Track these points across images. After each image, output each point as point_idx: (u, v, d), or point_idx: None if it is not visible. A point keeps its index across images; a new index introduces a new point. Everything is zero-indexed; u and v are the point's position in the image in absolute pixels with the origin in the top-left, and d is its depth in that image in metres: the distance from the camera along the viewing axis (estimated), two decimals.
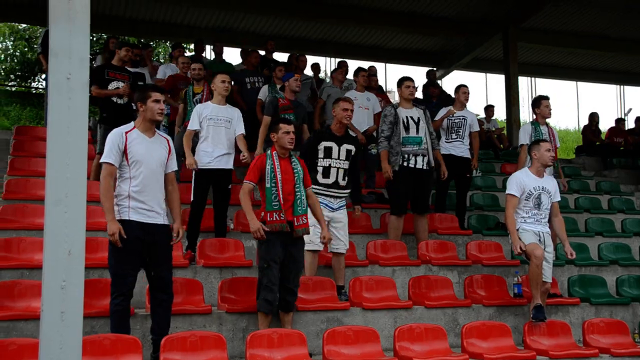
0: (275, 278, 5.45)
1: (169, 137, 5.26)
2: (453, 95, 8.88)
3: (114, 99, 7.91)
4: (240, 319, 5.72)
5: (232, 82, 10.37)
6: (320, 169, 6.34)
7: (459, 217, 8.51)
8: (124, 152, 4.85)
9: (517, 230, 6.34)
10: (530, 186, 6.39)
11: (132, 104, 8.20)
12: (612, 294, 7.49)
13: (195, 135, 6.82)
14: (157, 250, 4.92)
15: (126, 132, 4.92)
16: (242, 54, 11.52)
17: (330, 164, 6.38)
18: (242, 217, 7.45)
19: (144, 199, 4.87)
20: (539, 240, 6.34)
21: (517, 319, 6.64)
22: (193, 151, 6.78)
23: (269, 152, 5.71)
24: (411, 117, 7.42)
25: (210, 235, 6.90)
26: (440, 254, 7.48)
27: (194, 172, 6.72)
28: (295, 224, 5.57)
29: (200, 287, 5.96)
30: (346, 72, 10.42)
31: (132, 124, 5.06)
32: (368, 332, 5.52)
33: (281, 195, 5.52)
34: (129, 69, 8.46)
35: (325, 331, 5.43)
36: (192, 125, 6.77)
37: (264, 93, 9.43)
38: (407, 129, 7.36)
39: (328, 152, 6.37)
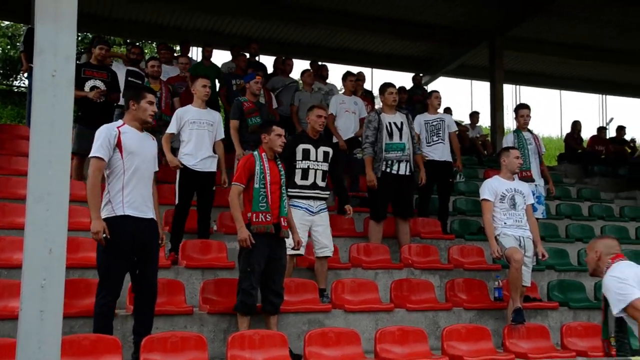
0: (256, 282, 5.46)
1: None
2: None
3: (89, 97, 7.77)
4: (222, 320, 5.71)
5: (218, 84, 10.47)
6: (299, 171, 6.37)
7: (441, 222, 8.56)
8: (117, 145, 4.78)
9: (499, 234, 6.43)
10: (502, 188, 6.54)
11: (114, 103, 8.19)
12: (591, 299, 7.58)
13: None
14: (147, 248, 4.89)
15: (118, 127, 4.89)
16: (233, 53, 11.55)
17: (309, 166, 6.42)
18: (226, 219, 7.45)
19: (137, 192, 4.82)
20: (520, 244, 6.43)
21: (497, 322, 6.70)
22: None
23: (256, 152, 5.71)
24: (394, 123, 7.47)
25: (193, 236, 6.89)
26: (422, 257, 7.53)
27: (178, 175, 6.72)
28: (282, 224, 5.59)
29: (182, 288, 5.94)
30: (325, 77, 10.41)
31: (121, 121, 5.02)
32: (349, 334, 5.55)
33: (269, 197, 5.53)
34: (132, 68, 8.45)
35: (306, 333, 5.45)
36: (171, 128, 6.78)
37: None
38: (390, 135, 7.41)
39: (306, 154, 6.41)
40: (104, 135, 4.80)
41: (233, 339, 5.04)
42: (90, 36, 14.00)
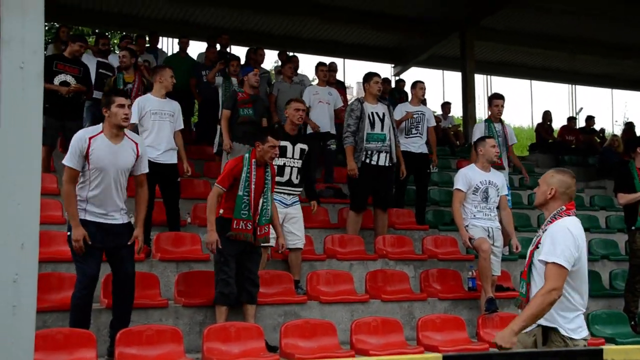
0: (232, 271, 5.46)
1: (139, 141, 5.19)
2: (409, 92, 8.97)
3: (56, 90, 7.64)
4: (197, 313, 5.70)
5: (189, 75, 10.42)
6: (275, 168, 6.35)
7: (418, 212, 8.61)
8: (86, 157, 4.78)
9: (467, 226, 6.49)
10: (476, 180, 6.55)
11: (83, 97, 8.09)
12: None
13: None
14: (119, 248, 4.93)
15: (90, 137, 4.85)
16: (210, 43, 11.49)
17: (285, 163, 6.42)
18: (199, 211, 7.40)
19: (101, 204, 4.87)
20: (488, 235, 6.50)
21: (472, 312, 6.77)
22: None
23: (247, 157, 5.64)
24: (377, 113, 7.44)
25: (166, 229, 6.84)
26: (397, 248, 7.57)
27: None
28: (258, 233, 5.59)
29: (156, 281, 5.91)
30: (296, 68, 10.42)
31: (99, 127, 4.99)
32: (325, 325, 5.57)
33: (252, 205, 5.51)
34: (102, 59, 8.35)
35: (282, 324, 5.45)
36: (132, 118, 6.67)
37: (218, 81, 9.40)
38: (372, 125, 7.38)
39: (283, 151, 6.37)
40: (75, 145, 4.82)
41: (209, 331, 5.03)
42: (57, 26, 13.74)
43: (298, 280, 6.47)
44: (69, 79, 7.75)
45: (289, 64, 10.20)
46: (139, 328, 4.90)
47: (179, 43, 11.33)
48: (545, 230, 3.67)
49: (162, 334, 4.89)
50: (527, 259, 3.78)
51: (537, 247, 3.68)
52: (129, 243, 5.00)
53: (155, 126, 6.59)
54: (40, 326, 4.84)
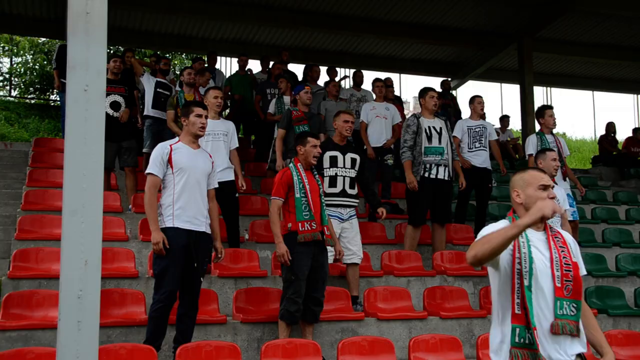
0: (302, 290, 5.46)
1: (211, 154, 5.48)
2: (462, 108, 8.90)
3: (110, 112, 7.88)
4: (255, 329, 5.73)
5: (254, 93, 10.61)
6: (327, 179, 6.37)
7: (478, 228, 8.45)
8: (168, 161, 5.04)
9: None
10: None
11: (133, 117, 8.36)
12: (631, 306, 7.42)
13: None
14: (199, 257, 5.09)
15: (171, 145, 5.16)
16: (263, 63, 11.67)
17: (336, 173, 6.42)
18: (257, 228, 7.48)
19: (187, 207, 5.03)
20: None
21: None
22: None
23: (292, 164, 5.75)
24: (433, 127, 7.39)
25: (224, 245, 6.91)
26: (455, 264, 7.45)
27: None
28: (325, 232, 5.63)
29: (215, 297, 5.98)
30: (360, 83, 10.42)
31: (177, 138, 5.34)
32: (382, 342, 5.51)
33: (312, 205, 5.56)
34: (161, 79, 8.62)
35: (339, 341, 5.43)
36: None
37: (272, 107, 9.55)
38: (429, 138, 7.34)
39: (334, 161, 6.41)
40: (157, 153, 5.11)
41: (266, 347, 5.04)
42: (122, 49, 14.23)
43: (356, 296, 6.43)
44: (118, 98, 8.04)
45: (333, 82, 10.22)
46: (197, 344, 4.95)
47: (238, 61, 11.55)
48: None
49: (220, 350, 4.93)
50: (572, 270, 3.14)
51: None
52: (215, 261, 5.30)
53: (209, 146, 6.73)
54: (104, 341, 4.99)
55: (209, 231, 5.19)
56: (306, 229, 5.50)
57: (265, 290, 6.10)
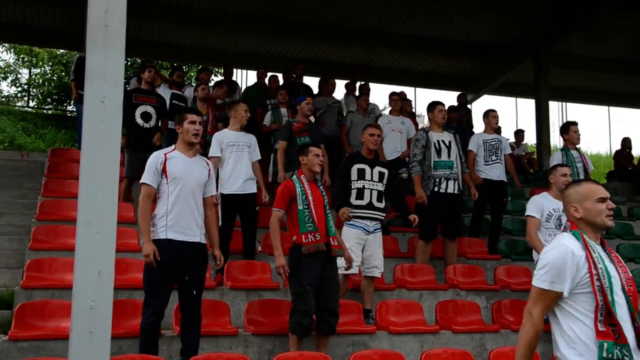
0: (312, 302, 5.44)
1: (209, 161, 5.40)
2: (476, 122, 8.90)
3: (140, 123, 7.97)
4: (267, 341, 5.73)
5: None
6: (354, 191, 6.38)
7: (492, 242, 8.44)
8: (163, 171, 4.98)
9: None
10: (549, 207, 6.39)
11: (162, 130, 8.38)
12: None
13: None
14: (190, 270, 5.00)
15: (165, 153, 5.09)
16: (259, 75, 11.70)
17: (364, 186, 6.44)
18: (269, 240, 7.47)
19: (181, 217, 4.95)
20: None
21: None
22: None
23: (295, 176, 5.76)
24: (442, 141, 7.41)
25: (238, 257, 6.95)
26: (468, 278, 7.42)
27: (220, 198, 6.79)
28: (332, 243, 5.59)
29: (227, 309, 5.99)
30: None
31: (172, 146, 5.24)
32: (394, 356, 5.47)
33: (315, 216, 5.55)
34: (176, 91, 8.65)
35: (351, 355, 5.40)
36: (214, 152, 6.87)
37: (268, 118, 9.55)
38: (438, 153, 7.35)
39: (361, 174, 6.44)
40: (151, 162, 5.03)
41: None
42: (139, 61, 14.37)
43: (369, 309, 6.41)
44: (149, 109, 8.07)
45: (364, 96, 10.23)
46: (209, 356, 4.94)
47: (257, 74, 11.61)
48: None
49: None
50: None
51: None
52: (213, 268, 5.23)
53: (232, 157, 6.80)
54: (116, 352, 4.99)
55: (204, 241, 5.12)
56: (310, 240, 5.48)
57: (277, 302, 6.10)
